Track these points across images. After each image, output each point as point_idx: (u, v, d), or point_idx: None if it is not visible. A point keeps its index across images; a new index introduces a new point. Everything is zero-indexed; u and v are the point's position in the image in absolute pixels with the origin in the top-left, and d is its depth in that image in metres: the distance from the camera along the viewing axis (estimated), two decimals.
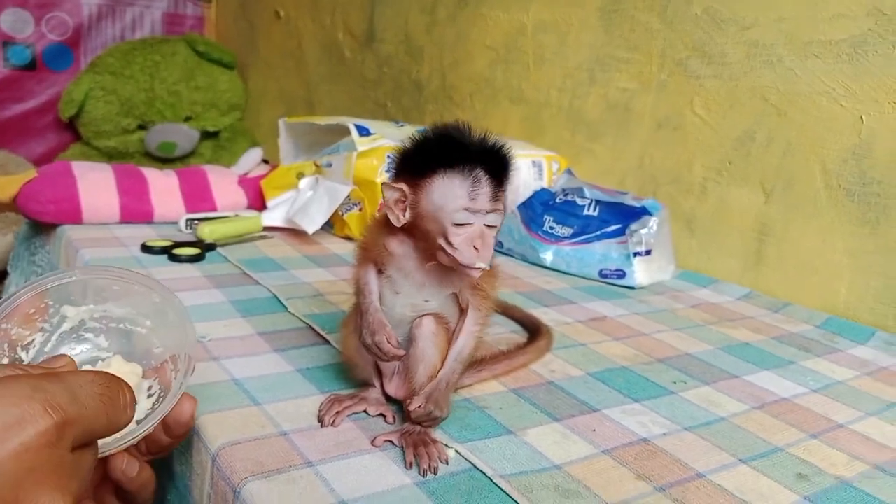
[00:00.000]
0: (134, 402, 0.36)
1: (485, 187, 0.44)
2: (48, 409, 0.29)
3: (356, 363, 0.51)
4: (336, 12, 1.76)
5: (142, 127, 2.20)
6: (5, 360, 0.43)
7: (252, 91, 2.29)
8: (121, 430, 0.36)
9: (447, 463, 0.44)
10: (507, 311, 0.72)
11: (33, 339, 0.46)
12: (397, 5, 1.54)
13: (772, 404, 0.58)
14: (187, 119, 2.23)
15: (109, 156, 2.23)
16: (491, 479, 0.43)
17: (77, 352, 0.47)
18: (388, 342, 0.46)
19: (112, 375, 0.36)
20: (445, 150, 0.44)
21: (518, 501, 0.41)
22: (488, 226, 0.44)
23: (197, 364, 0.45)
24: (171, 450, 0.46)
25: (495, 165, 0.44)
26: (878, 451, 0.52)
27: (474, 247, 0.43)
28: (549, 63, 1.18)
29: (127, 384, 0.37)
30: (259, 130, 2.26)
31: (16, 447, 0.28)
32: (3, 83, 2.21)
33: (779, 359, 0.69)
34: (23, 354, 0.45)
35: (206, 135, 2.31)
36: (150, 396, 0.45)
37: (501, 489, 0.42)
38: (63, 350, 0.46)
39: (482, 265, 0.44)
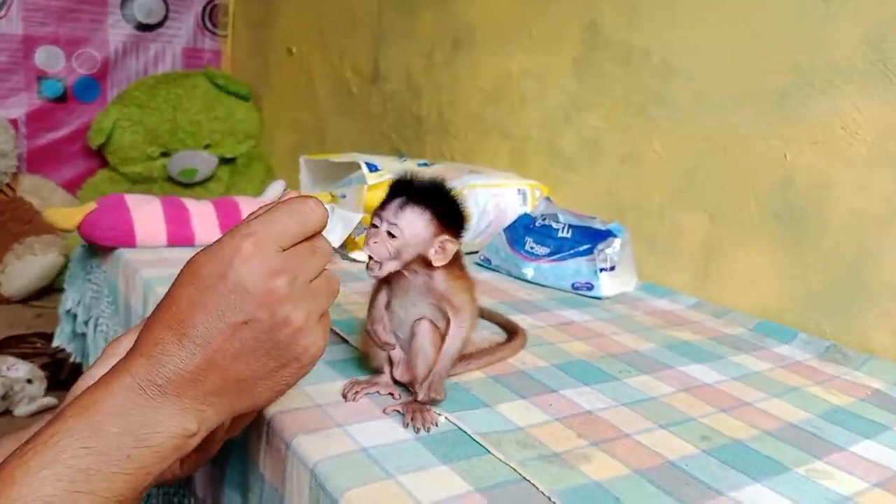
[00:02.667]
0: (320, 203, 0.48)
1: (393, 205, 0.58)
2: (243, 238, 0.45)
3: (371, 354, 0.67)
4: (344, 53, 1.93)
5: (165, 154, 2.37)
6: None
7: (266, 121, 2.46)
8: (315, 224, 0.48)
9: (437, 425, 0.59)
10: (491, 317, 0.87)
11: None
12: (400, 49, 1.72)
13: (695, 388, 0.73)
14: (207, 147, 2.40)
15: (134, 181, 2.39)
16: (470, 436, 0.58)
17: None
18: (384, 330, 0.62)
19: (295, 199, 0.48)
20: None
21: (489, 449, 0.56)
22: (389, 233, 0.58)
23: None
24: (240, 428, 0.58)
25: (412, 200, 0.58)
26: (770, 421, 0.67)
27: (374, 242, 0.58)
28: (531, 104, 1.35)
29: (312, 196, 0.48)
30: (273, 157, 2.43)
31: (235, 259, 0.44)
32: (37, 114, 2.38)
33: (712, 354, 0.83)
34: None
35: (224, 161, 2.48)
36: None
37: (477, 442, 0.57)
38: None
39: (366, 254, 0.58)
